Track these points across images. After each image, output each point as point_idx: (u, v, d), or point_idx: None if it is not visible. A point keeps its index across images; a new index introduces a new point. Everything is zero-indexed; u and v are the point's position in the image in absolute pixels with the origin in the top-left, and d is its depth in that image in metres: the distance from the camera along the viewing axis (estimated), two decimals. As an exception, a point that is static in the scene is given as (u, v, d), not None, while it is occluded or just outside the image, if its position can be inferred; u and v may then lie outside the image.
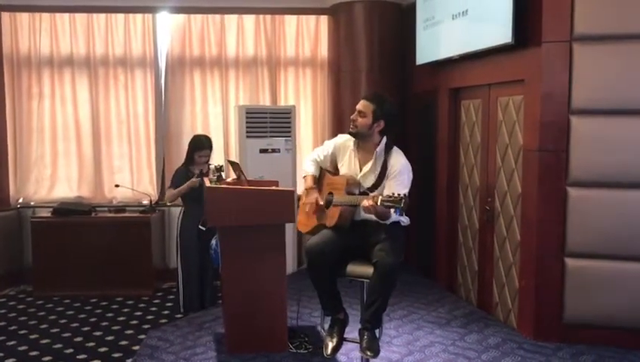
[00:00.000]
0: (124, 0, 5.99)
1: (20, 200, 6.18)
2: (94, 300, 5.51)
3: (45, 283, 5.65)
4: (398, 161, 3.40)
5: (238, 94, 6.30)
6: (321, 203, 3.46)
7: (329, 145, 3.67)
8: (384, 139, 3.45)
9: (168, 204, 6.08)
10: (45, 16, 6.05)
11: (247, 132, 5.71)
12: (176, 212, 5.42)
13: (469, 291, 5.16)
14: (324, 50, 6.38)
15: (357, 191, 3.37)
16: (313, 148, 6.12)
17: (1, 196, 6.10)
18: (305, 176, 3.64)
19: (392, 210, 3.06)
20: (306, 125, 6.44)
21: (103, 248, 5.67)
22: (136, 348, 4.33)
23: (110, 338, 4.57)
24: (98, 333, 4.68)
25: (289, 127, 5.84)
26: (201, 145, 5.12)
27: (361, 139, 3.47)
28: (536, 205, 4.14)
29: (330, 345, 3.38)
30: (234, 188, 4.17)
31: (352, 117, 3.46)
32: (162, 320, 4.99)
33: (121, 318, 5.04)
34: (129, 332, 4.71)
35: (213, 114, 6.29)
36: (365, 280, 3.31)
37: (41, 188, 6.20)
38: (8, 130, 6.11)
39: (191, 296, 5.08)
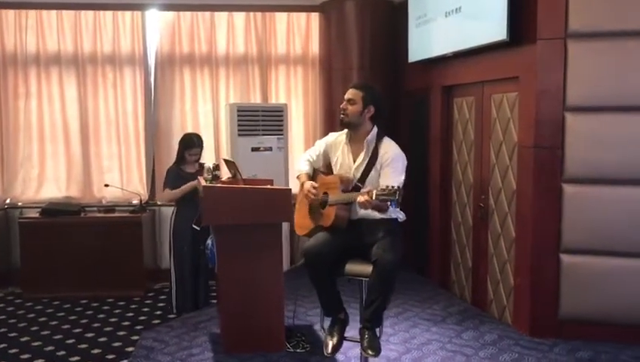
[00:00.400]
0: (113, -3, 5.91)
1: (7, 201, 6.07)
2: (85, 301, 5.43)
3: (34, 284, 5.56)
4: (391, 149, 3.38)
5: (229, 92, 6.24)
6: (317, 185, 3.44)
7: (320, 145, 3.66)
8: (375, 128, 3.44)
9: (159, 203, 6.04)
10: (32, 13, 5.94)
11: (238, 130, 5.65)
12: (168, 211, 5.37)
13: (463, 288, 5.17)
14: (315, 48, 6.33)
15: (351, 188, 3.35)
16: (305, 146, 6.13)
17: (-12, 197, 5.99)
18: (298, 176, 3.62)
19: (388, 203, 3.04)
20: (297, 123, 6.39)
21: (93, 248, 5.59)
22: (129, 349, 4.28)
23: (103, 339, 4.52)
24: (90, 335, 4.61)
25: (281, 126, 5.79)
26: (191, 143, 5.07)
27: (353, 129, 3.45)
28: (531, 202, 4.15)
29: (331, 344, 3.36)
30: (230, 187, 4.13)
31: (341, 106, 3.45)
32: (155, 320, 4.94)
33: (113, 319, 4.98)
34: (122, 333, 4.65)
35: (204, 112, 6.22)
36: (364, 279, 3.29)
37: (28, 189, 6.09)
38: (-5, 129, 6.01)
39: (184, 297, 5.03)
